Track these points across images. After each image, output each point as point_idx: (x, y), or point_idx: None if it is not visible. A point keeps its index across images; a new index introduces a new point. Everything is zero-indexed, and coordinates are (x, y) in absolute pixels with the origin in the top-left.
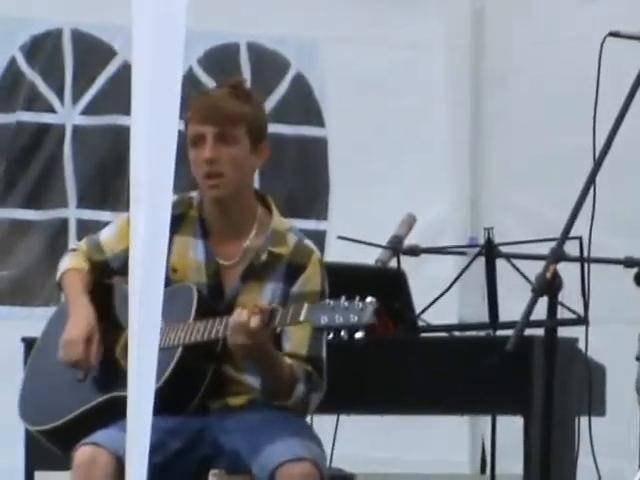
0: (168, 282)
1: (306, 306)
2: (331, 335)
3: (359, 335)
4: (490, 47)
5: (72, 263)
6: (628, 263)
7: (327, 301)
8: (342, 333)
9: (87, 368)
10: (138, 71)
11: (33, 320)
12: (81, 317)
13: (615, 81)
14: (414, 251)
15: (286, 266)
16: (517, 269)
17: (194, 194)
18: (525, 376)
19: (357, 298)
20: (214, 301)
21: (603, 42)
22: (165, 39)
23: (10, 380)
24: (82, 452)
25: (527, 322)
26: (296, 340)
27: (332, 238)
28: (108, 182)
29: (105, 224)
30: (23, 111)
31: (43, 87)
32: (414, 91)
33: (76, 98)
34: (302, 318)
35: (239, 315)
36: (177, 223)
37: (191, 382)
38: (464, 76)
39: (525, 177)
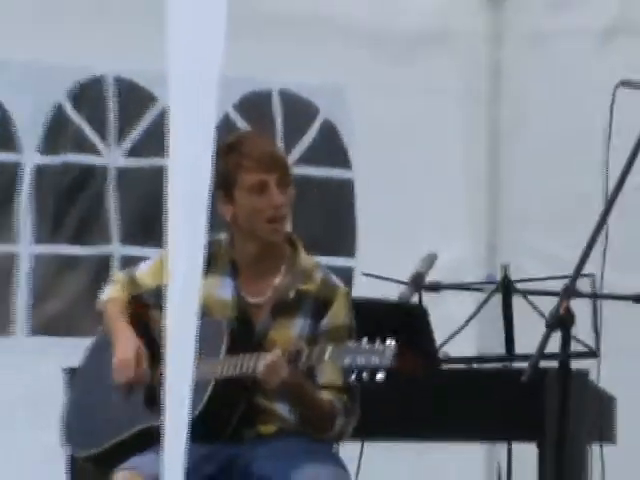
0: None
1: (330, 348)
2: (354, 376)
3: (380, 376)
4: (506, 95)
5: (112, 293)
6: (638, 299)
7: (349, 343)
8: (364, 374)
9: (139, 386)
10: (174, 116)
11: (77, 349)
12: (128, 340)
13: (627, 126)
14: (435, 287)
15: (314, 302)
16: (532, 305)
17: (223, 236)
18: (539, 405)
19: (378, 340)
20: (244, 336)
21: (615, 91)
22: (201, 85)
23: (54, 409)
24: (121, 476)
25: (542, 355)
26: (330, 372)
27: (359, 275)
28: (149, 219)
29: (146, 259)
30: (69, 153)
31: (88, 130)
32: (434, 136)
33: (119, 141)
34: (326, 358)
35: (272, 357)
36: (208, 263)
37: (224, 412)
38: (481, 122)
39: (541, 218)
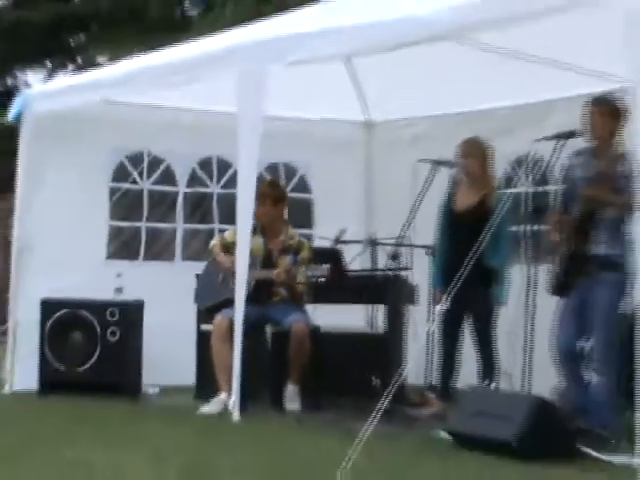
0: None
1: (303, 267)
2: (311, 279)
3: (322, 279)
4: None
5: (214, 242)
6: (429, 247)
7: (310, 265)
8: (316, 278)
9: (230, 275)
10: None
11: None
12: (223, 258)
13: None
14: (345, 242)
15: (295, 248)
16: (385, 250)
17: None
18: (387, 292)
19: (321, 265)
20: (268, 261)
21: None
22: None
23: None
24: (219, 316)
25: (388, 269)
26: (301, 277)
27: (316, 237)
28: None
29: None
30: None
31: (200, 173)
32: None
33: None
34: (300, 271)
35: (279, 270)
36: (253, 230)
37: (260, 292)
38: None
39: (385, 214)
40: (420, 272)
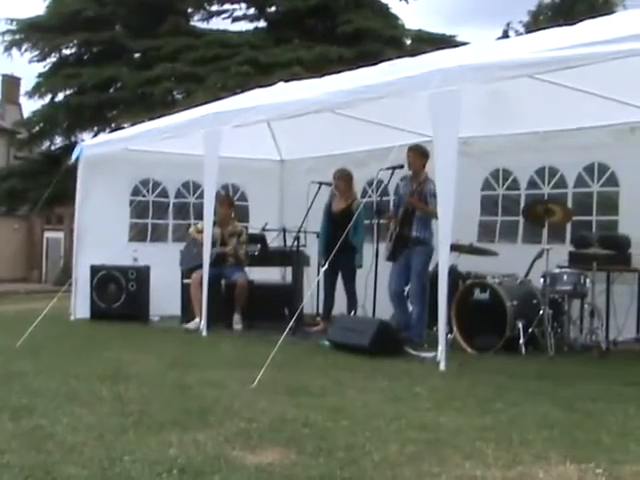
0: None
1: (243, 245)
2: (250, 252)
3: (256, 253)
4: None
5: (191, 229)
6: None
7: (249, 245)
8: (253, 252)
9: (200, 248)
10: (207, 178)
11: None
12: (198, 235)
13: None
14: (267, 230)
15: (238, 233)
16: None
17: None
18: None
19: (256, 245)
20: (222, 242)
21: None
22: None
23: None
24: (194, 275)
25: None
26: (242, 251)
27: (250, 228)
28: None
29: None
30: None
31: (183, 191)
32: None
33: (194, 193)
34: (242, 248)
35: (229, 247)
36: (213, 224)
37: (218, 259)
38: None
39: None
40: (311, 247)
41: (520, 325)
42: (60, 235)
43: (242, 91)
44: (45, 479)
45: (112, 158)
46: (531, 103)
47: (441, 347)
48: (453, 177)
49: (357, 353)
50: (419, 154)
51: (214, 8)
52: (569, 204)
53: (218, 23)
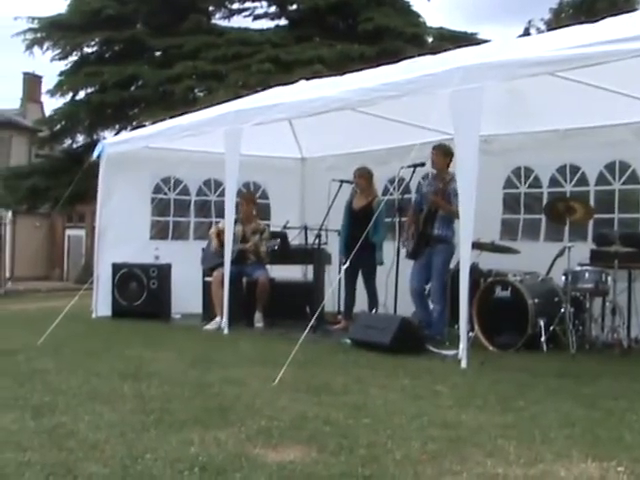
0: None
1: (264, 241)
2: (270, 248)
3: (276, 248)
4: None
5: (213, 229)
6: None
7: (270, 240)
8: (274, 247)
9: (220, 251)
10: (228, 175)
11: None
12: (215, 243)
13: None
14: (288, 227)
15: (260, 231)
16: (314, 235)
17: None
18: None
19: (276, 240)
20: (244, 240)
21: None
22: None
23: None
24: (215, 272)
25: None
26: (263, 246)
27: (272, 225)
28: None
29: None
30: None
31: (204, 189)
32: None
33: (215, 191)
34: (264, 244)
35: (251, 243)
36: (235, 222)
37: (239, 257)
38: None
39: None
40: (332, 245)
41: (541, 323)
42: (81, 233)
43: (263, 89)
44: (66, 477)
45: (133, 156)
46: (552, 101)
47: (462, 345)
48: (474, 175)
49: (378, 351)
50: (443, 153)
51: (235, 6)
52: (591, 202)
53: (239, 21)
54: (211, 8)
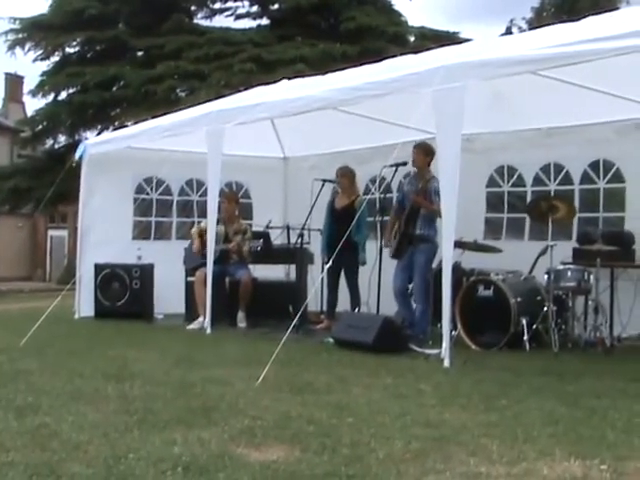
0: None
1: (247, 241)
2: (253, 248)
3: (259, 248)
4: None
5: (194, 229)
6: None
7: (252, 240)
8: (256, 248)
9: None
10: (210, 175)
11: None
12: (196, 244)
13: None
14: (271, 227)
15: (242, 230)
16: (297, 234)
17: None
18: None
19: (259, 240)
20: (227, 239)
21: None
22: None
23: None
24: (197, 273)
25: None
26: (246, 246)
27: (254, 225)
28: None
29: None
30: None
31: (187, 189)
32: None
33: (197, 191)
34: (246, 244)
35: (234, 242)
36: (217, 222)
37: (222, 257)
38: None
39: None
40: (315, 245)
41: (524, 322)
42: (64, 233)
43: (245, 89)
44: (50, 477)
45: (116, 156)
46: (535, 100)
47: (445, 344)
48: (456, 174)
49: (361, 350)
50: (424, 152)
51: (217, 6)
52: (576, 201)
53: (221, 21)
54: (193, 8)
